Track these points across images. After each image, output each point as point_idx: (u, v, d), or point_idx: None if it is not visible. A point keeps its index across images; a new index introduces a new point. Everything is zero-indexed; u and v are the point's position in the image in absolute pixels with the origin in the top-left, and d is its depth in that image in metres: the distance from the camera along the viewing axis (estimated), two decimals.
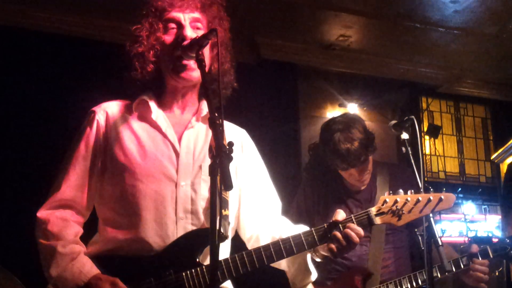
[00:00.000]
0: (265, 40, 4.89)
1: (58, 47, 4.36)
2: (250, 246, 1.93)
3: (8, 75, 4.15)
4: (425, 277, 2.43)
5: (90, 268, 1.68)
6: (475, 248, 2.55)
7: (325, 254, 1.84)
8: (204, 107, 1.88)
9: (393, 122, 2.46)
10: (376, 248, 2.69)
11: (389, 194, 1.87)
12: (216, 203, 1.40)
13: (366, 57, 5.25)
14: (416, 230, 2.38)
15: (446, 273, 2.47)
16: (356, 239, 1.76)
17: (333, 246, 1.78)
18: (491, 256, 2.52)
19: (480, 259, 2.51)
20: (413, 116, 2.38)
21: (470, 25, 4.68)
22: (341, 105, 5.34)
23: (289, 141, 4.86)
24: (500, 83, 5.81)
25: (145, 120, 1.83)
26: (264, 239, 1.90)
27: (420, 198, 1.87)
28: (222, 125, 1.48)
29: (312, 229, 1.80)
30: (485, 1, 4.35)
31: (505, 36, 4.82)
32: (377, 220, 1.83)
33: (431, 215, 2.25)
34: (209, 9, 1.84)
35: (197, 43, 1.65)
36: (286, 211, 2.89)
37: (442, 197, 1.91)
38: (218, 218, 1.37)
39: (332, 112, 5.34)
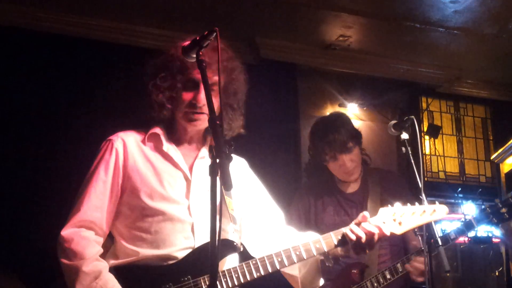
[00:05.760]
0: (265, 40, 4.88)
1: (58, 47, 4.36)
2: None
3: (8, 75, 4.15)
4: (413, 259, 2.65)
5: (112, 286, 1.80)
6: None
7: (339, 254, 1.99)
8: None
9: (393, 122, 2.50)
10: None
11: (388, 206, 2.02)
12: (216, 203, 1.41)
13: (366, 57, 5.25)
14: (416, 230, 2.41)
15: (447, 273, 2.50)
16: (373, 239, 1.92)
17: (354, 246, 1.93)
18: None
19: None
20: (413, 116, 2.42)
21: (470, 25, 4.68)
22: (341, 105, 5.34)
23: (289, 141, 4.85)
24: (500, 83, 5.81)
25: (158, 151, 2.02)
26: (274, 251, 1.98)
27: (416, 210, 2.02)
28: (222, 125, 1.51)
29: (320, 236, 1.96)
30: (485, 1, 4.34)
31: (505, 36, 4.81)
32: None
33: None
34: (229, 72, 1.99)
35: (198, 44, 1.67)
36: (286, 212, 2.98)
37: (436, 208, 2.04)
38: (218, 218, 1.39)
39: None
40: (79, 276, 1.80)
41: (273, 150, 4.70)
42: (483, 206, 2.63)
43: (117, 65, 4.32)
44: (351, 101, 5.33)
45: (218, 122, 1.52)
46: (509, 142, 4.71)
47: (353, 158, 2.89)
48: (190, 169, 2.01)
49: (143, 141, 2.03)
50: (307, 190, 3.09)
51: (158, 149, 2.02)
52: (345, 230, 1.95)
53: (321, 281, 2.07)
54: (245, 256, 2.01)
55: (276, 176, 4.61)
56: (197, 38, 1.68)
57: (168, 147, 2.02)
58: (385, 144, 5.19)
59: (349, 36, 4.87)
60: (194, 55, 1.68)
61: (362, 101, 5.35)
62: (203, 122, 1.97)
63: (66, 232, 1.88)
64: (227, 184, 1.41)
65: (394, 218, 1.98)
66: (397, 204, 2.00)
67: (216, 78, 1.83)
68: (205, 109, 1.92)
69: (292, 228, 2.17)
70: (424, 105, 5.78)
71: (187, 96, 1.96)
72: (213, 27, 1.66)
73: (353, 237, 1.91)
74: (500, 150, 4.98)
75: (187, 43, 1.73)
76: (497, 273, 4.23)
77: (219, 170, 1.43)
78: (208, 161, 1.95)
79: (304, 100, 5.17)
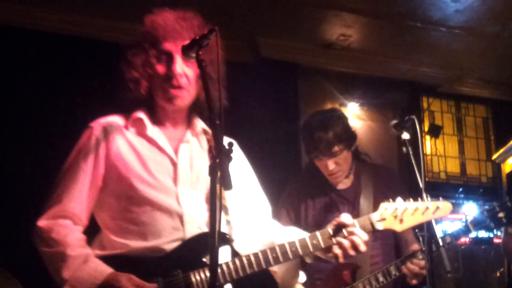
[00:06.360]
0: (265, 40, 4.87)
1: (58, 46, 4.35)
2: (242, 251, 1.94)
3: (7, 75, 4.14)
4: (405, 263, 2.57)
5: (105, 267, 1.73)
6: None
7: (322, 257, 1.91)
8: (198, 123, 1.98)
9: (394, 122, 2.47)
10: None
11: (389, 201, 1.95)
12: (216, 203, 1.40)
13: (367, 57, 5.24)
14: (416, 230, 2.40)
15: (448, 274, 2.49)
16: (362, 246, 1.83)
17: (338, 252, 1.84)
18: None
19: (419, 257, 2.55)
20: (413, 116, 2.40)
21: (471, 24, 4.67)
22: (341, 105, 5.33)
23: (289, 141, 4.84)
24: (502, 83, 5.79)
25: (142, 135, 1.92)
26: (256, 244, 1.94)
27: (418, 206, 1.96)
28: (221, 125, 1.50)
29: (317, 232, 1.87)
30: (486, 0, 4.33)
31: (507, 35, 4.80)
32: (379, 226, 1.92)
33: None
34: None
35: (197, 43, 1.66)
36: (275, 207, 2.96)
37: (440, 205, 1.99)
38: (218, 217, 1.38)
39: None
40: (66, 261, 1.71)
41: (273, 150, 4.68)
42: (480, 210, 2.59)
43: (117, 65, 4.30)
44: (351, 100, 5.32)
45: (218, 122, 1.51)
46: (511, 142, 4.69)
47: (339, 161, 2.77)
48: (175, 152, 1.91)
49: (126, 127, 1.93)
50: (297, 186, 3.02)
51: (142, 134, 1.91)
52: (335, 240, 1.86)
53: (302, 276, 2.03)
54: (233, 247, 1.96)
55: (275, 176, 4.60)
56: (197, 37, 1.66)
57: (152, 131, 1.91)
58: (386, 144, 5.18)
59: (349, 36, 4.86)
60: (194, 54, 1.66)
61: (363, 100, 5.34)
62: (182, 100, 1.88)
63: (43, 222, 1.80)
64: (227, 184, 1.41)
65: (395, 215, 1.92)
66: (399, 200, 1.94)
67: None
68: (183, 83, 1.85)
69: (276, 222, 2.10)
70: (425, 105, 5.77)
71: (161, 69, 1.87)
72: (213, 26, 1.65)
73: (339, 252, 1.84)
74: (501, 150, 4.96)
75: (186, 42, 1.70)
76: (498, 274, 4.21)
77: (218, 170, 1.42)
78: (194, 145, 1.94)
79: (305, 99, 5.16)
